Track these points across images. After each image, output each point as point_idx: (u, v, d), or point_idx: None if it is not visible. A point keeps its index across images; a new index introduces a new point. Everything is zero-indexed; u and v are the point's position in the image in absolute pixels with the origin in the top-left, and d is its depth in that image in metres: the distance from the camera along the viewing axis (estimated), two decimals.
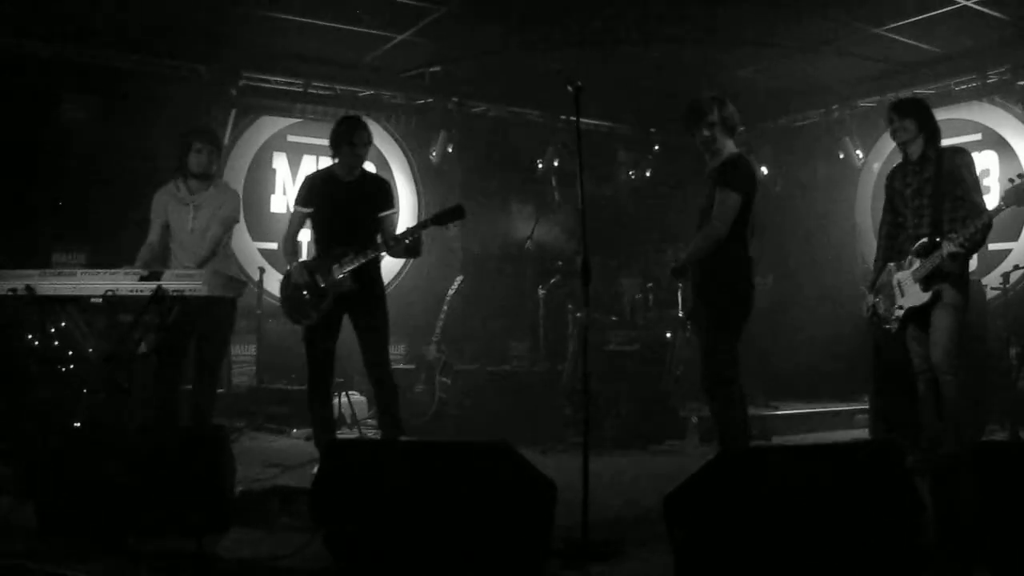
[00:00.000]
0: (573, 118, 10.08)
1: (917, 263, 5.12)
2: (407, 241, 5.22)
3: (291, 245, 5.54)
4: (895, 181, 5.41)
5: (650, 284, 8.56)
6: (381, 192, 5.48)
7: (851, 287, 8.83)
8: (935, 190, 5.08)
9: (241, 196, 8.39)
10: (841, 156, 9.25)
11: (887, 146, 9.18)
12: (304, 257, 5.63)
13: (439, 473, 3.29)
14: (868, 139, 9.23)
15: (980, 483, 3.42)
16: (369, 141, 5.47)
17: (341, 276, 5.21)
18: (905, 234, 5.29)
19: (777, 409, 7.94)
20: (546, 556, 3.35)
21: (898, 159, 8.78)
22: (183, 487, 3.84)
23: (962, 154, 5.17)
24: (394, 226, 5.48)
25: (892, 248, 5.40)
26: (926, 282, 5.08)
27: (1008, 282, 7.25)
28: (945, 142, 5.33)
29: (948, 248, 4.93)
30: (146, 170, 7.82)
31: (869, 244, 9.37)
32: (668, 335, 7.25)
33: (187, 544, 3.55)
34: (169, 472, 3.90)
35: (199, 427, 5.34)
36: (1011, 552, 3.31)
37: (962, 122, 8.34)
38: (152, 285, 4.93)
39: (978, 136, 8.34)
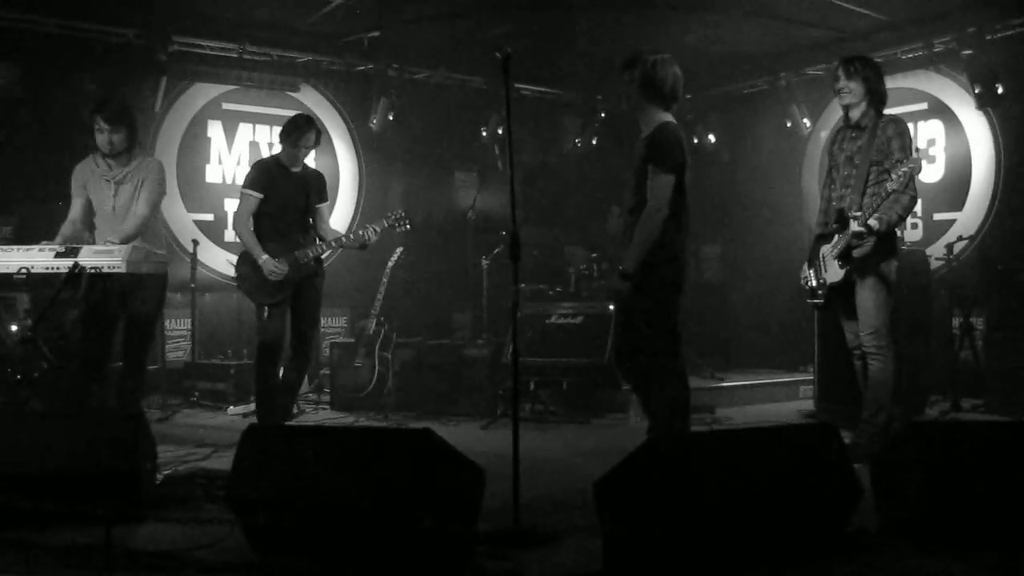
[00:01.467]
0: (517, 85, 9.99)
1: (835, 239, 5.01)
2: (361, 242, 5.95)
3: (247, 227, 5.79)
4: (834, 145, 5.29)
5: (595, 254, 8.45)
6: (320, 184, 5.99)
7: (798, 256, 8.80)
8: (863, 160, 4.96)
9: (175, 166, 8.25)
10: (788, 124, 9.18)
11: (835, 114, 9.12)
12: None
13: (361, 460, 3.16)
14: (816, 107, 9.16)
15: (920, 464, 3.37)
16: (313, 145, 5.84)
17: (306, 261, 5.74)
18: (831, 205, 5.16)
19: (722, 381, 7.90)
20: (472, 545, 3.24)
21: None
22: (93, 475, 3.70)
23: (896, 124, 4.98)
24: (328, 215, 6.24)
25: (824, 223, 5.26)
26: (843, 259, 4.98)
27: (952, 252, 7.24)
28: (892, 111, 5.20)
29: (852, 227, 4.84)
30: (72, 141, 7.55)
31: (815, 213, 9.33)
32: (611, 307, 7.12)
33: (101, 536, 3.37)
34: (78, 459, 3.74)
35: (111, 411, 5.15)
36: (951, 532, 3.27)
37: (909, 91, 8.29)
38: (69, 262, 4.78)
39: (924, 105, 8.30)
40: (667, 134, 4.45)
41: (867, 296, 4.96)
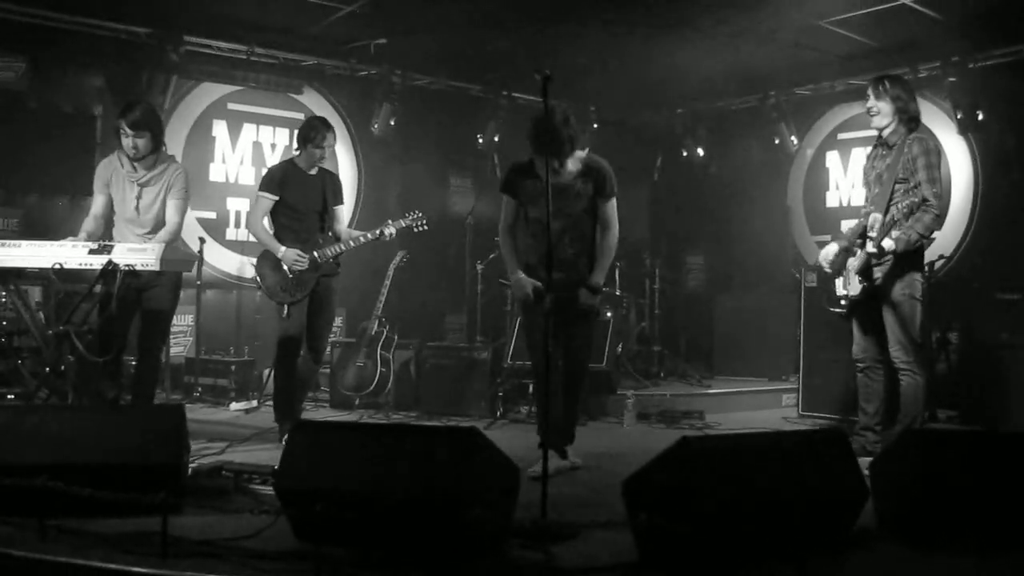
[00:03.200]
0: (515, 93, 10.20)
1: (858, 253, 5.15)
2: (378, 238, 6.10)
3: (261, 225, 6.00)
4: (867, 163, 5.38)
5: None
6: (336, 186, 6.12)
7: (782, 270, 9.15)
8: (889, 178, 5.05)
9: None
10: (776, 141, 9.49)
11: (821, 132, 9.49)
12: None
13: (410, 455, 3.36)
14: (803, 125, 9.50)
15: (915, 469, 3.64)
16: (332, 145, 6.01)
17: (325, 261, 5.88)
18: (861, 220, 5.25)
19: (709, 388, 8.17)
20: (507, 537, 3.47)
21: (835, 144, 9.10)
22: (142, 466, 3.86)
23: (921, 143, 5.03)
24: (344, 217, 6.37)
25: (854, 234, 5.31)
26: (863, 275, 5.13)
27: (932, 270, 7.57)
28: (875, 132, 5.28)
29: (868, 247, 4.98)
30: (81, 137, 7.66)
31: (801, 228, 9.70)
32: (609, 314, 7.38)
33: (149, 524, 3.54)
34: (128, 451, 3.90)
35: (160, 405, 5.30)
36: (943, 532, 3.55)
37: None
38: (102, 258, 4.90)
39: None
40: (604, 164, 5.12)
41: (890, 312, 5.07)
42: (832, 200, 9.46)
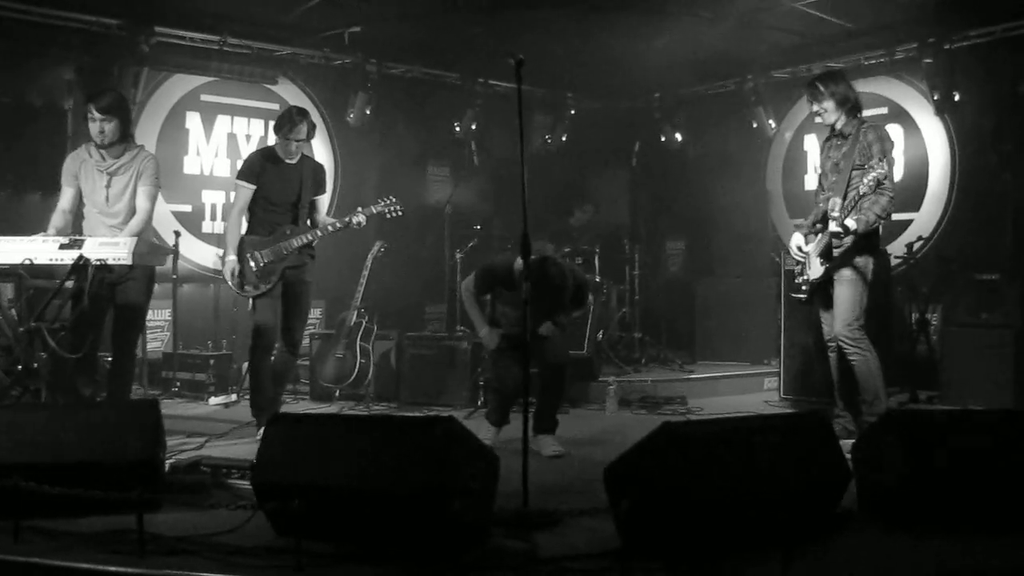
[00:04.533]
0: (492, 81, 10.14)
1: (818, 237, 5.40)
2: (347, 226, 5.95)
3: (235, 222, 5.90)
4: (822, 154, 5.62)
5: (567, 249, 8.66)
6: (319, 176, 6.03)
7: (762, 254, 9.15)
8: (846, 164, 5.28)
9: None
10: (754, 125, 9.47)
11: (799, 116, 9.47)
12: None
13: (387, 447, 3.32)
14: (781, 109, 9.48)
15: (895, 450, 3.64)
16: (306, 138, 5.87)
17: (289, 252, 5.74)
18: (819, 207, 5.50)
19: (691, 373, 8.17)
20: (488, 526, 3.44)
21: (813, 127, 9.12)
22: (119, 463, 3.81)
23: (876, 130, 5.31)
24: (325, 207, 6.15)
25: (814, 220, 5.56)
26: (823, 256, 5.35)
27: (911, 251, 7.60)
28: None
29: (831, 227, 5.21)
30: (51, 131, 7.54)
31: (780, 211, 9.70)
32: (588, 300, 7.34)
33: (126, 523, 3.48)
34: (104, 448, 3.85)
35: (134, 400, 5.24)
36: (923, 513, 3.55)
37: (870, 96, 8.58)
38: (73, 254, 4.84)
39: (884, 110, 8.64)
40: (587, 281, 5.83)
41: (843, 291, 5.29)
42: (811, 183, 9.41)
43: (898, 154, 8.54)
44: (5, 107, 7.51)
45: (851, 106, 5.36)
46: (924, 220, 8.35)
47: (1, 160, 7.37)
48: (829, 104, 5.32)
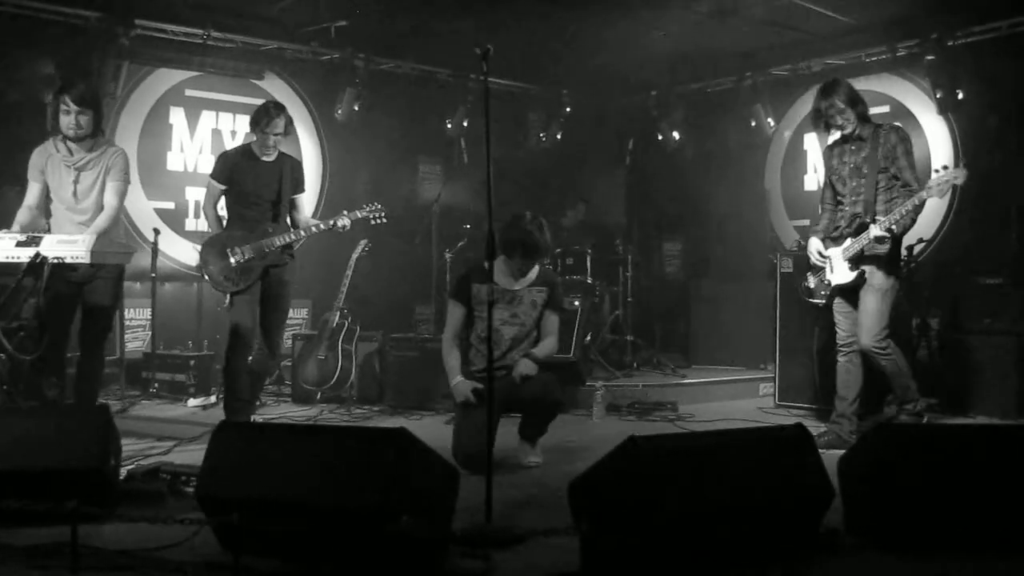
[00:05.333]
0: (483, 78, 9.93)
1: (848, 242, 5.27)
2: (331, 228, 5.83)
3: (215, 214, 5.78)
4: (832, 159, 5.46)
5: (559, 250, 8.46)
6: (297, 174, 5.88)
7: (760, 256, 8.91)
8: (871, 169, 5.19)
9: (135, 153, 8.11)
10: (753, 123, 9.26)
11: (798, 114, 9.27)
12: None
13: (335, 459, 3.12)
14: (780, 107, 9.27)
15: (886, 466, 3.41)
16: (283, 133, 5.68)
17: (271, 250, 5.60)
18: (842, 211, 5.41)
19: (684, 377, 7.95)
20: (446, 544, 3.23)
21: (811, 127, 8.89)
22: (61, 471, 3.62)
23: (898, 131, 5.25)
24: (305, 205, 6.06)
25: (831, 225, 5.49)
26: (854, 262, 5.25)
27: (912, 254, 7.36)
28: None
29: (874, 231, 5.07)
30: (31, 125, 7.37)
31: (778, 211, 9.48)
32: (576, 303, 7.14)
33: (68, 534, 3.30)
34: (46, 455, 3.66)
35: (78, 405, 5.05)
36: (912, 534, 3.33)
37: (872, 93, 8.35)
38: (30, 251, 4.67)
39: (886, 108, 8.41)
40: (558, 278, 5.41)
41: (871, 300, 5.23)
42: (810, 183, 9.23)
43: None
44: None
45: (863, 109, 5.30)
46: (926, 222, 8.04)
47: None
48: (850, 114, 5.22)
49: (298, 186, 5.86)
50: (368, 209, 6.02)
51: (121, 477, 4.20)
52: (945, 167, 4.99)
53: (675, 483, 2.92)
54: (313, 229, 5.83)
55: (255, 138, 5.71)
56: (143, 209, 8.18)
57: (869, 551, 3.35)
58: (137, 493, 4.09)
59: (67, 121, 5.18)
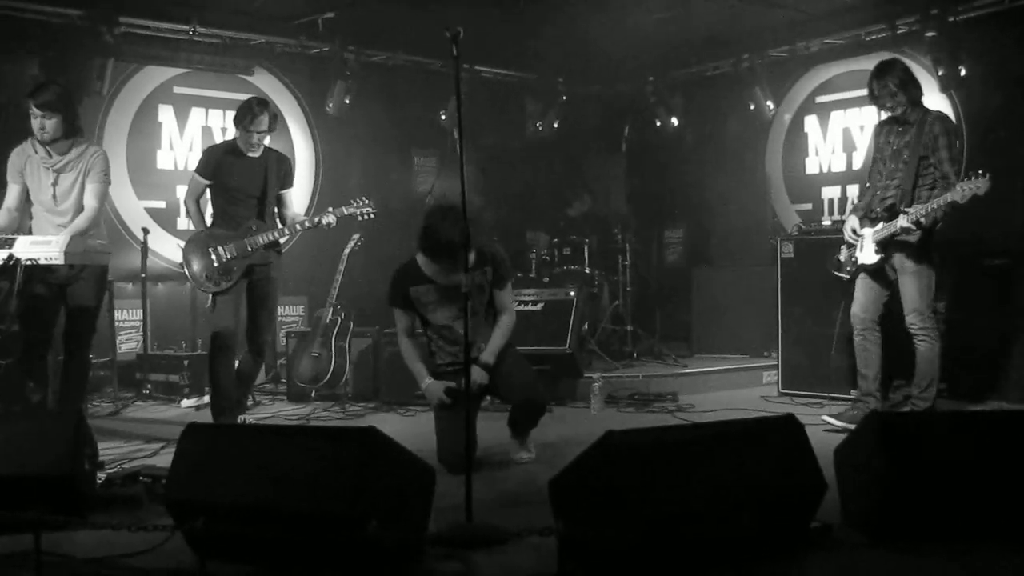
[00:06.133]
0: (477, 67, 9.82)
1: (880, 225, 5.34)
2: (316, 226, 5.74)
3: (197, 209, 5.68)
4: (879, 137, 5.52)
5: (555, 239, 8.32)
6: (283, 169, 5.72)
7: (763, 241, 8.75)
8: (911, 155, 5.23)
9: (124, 151, 8.01)
10: (752, 107, 9.08)
11: (799, 96, 9.09)
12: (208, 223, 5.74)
13: (303, 461, 3.00)
14: (779, 89, 9.09)
15: (884, 456, 3.27)
16: (267, 130, 5.57)
17: (255, 248, 5.49)
18: (879, 193, 5.46)
19: (685, 367, 7.80)
20: (421, 547, 3.12)
21: (813, 108, 8.78)
22: (27, 478, 3.52)
23: (943, 122, 5.26)
24: (292, 201, 5.87)
25: (871, 204, 5.52)
26: (881, 246, 5.33)
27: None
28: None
29: (902, 221, 5.14)
30: (16, 126, 7.29)
31: (780, 195, 9.31)
32: (571, 293, 7.00)
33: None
34: (11, 462, 3.56)
35: (47, 410, 4.95)
36: (910, 527, 3.19)
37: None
38: (3, 253, 4.58)
39: None
40: (500, 251, 4.85)
41: (910, 280, 5.30)
42: (812, 167, 9.05)
43: None
44: None
45: (917, 93, 5.31)
46: None
47: None
48: (902, 97, 5.24)
49: (285, 181, 5.74)
50: (356, 205, 5.90)
51: (100, 481, 4.13)
52: (978, 173, 4.94)
53: (654, 479, 2.79)
54: (298, 227, 5.73)
55: (238, 134, 5.60)
56: (133, 208, 8.08)
57: (865, 546, 3.22)
58: (114, 498, 4.01)
59: (35, 125, 5.11)
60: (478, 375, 4.56)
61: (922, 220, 5.10)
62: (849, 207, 6.54)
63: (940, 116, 5.31)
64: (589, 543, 2.74)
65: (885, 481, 3.23)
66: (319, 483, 2.88)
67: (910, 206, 5.17)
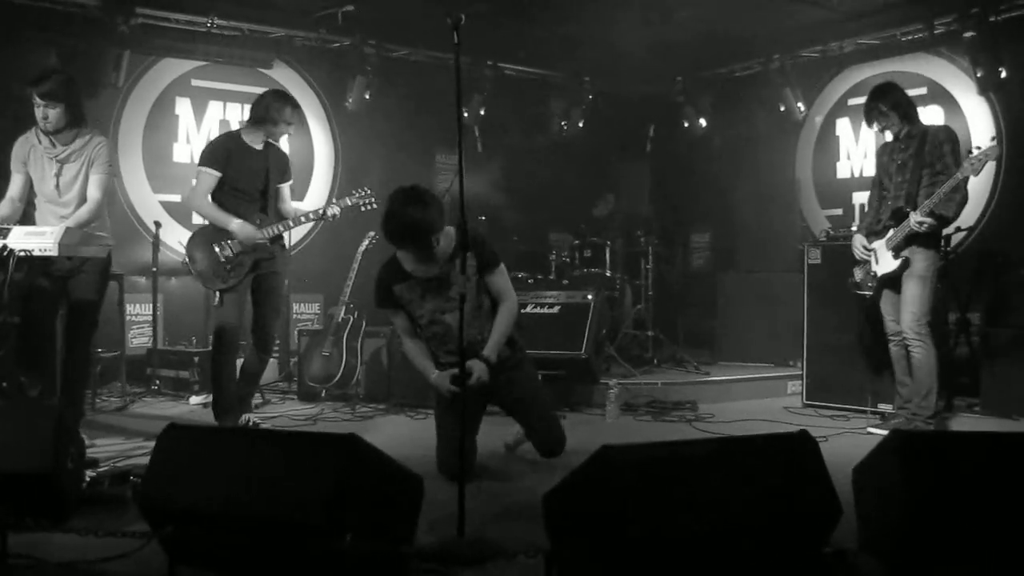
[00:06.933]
0: (501, 64, 9.64)
1: (891, 232, 5.39)
2: (320, 218, 5.68)
3: (208, 202, 5.41)
4: (883, 156, 5.64)
5: (577, 242, 8.11)
6: (283, 163, 5.63)
7: (791, 247, 8.49)
8: (916, 165, 5.33)
9: (140, 144, 7.93)
10: (782, 108, 8.85)
11: (830, 99, 8.85)
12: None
13: (273, 468, 2.83)
14: (810, 91, 8.85)
15: (906, 478, 3.03)
16: (290, 120, 5.46)
17: (261, 241, 5.39)
18: (885, 206, 5.54)
19: (707, 375, 7.57)
20: (406, 560, 2.93)
21: (845, 111, 8.53)
22: (9, 476, 3.39)
23: (947, 131, 5.41)
24: (289, 195, 5.74)
25: (874, 220, 5.63)
26: (897, 250, 5.37)
27: (949, 245, 6.90)
28: None
29: (914, 217, 5.20)
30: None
31: (809, 200, 9.06)
32: (589, 297, 6.80)
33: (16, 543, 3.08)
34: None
35: (27, 406, 4.81)
36: (932, 554, 2.95)
37: (907, 76, 7.94)
38: None
39: (923, 90, 7.95)
40: (478, 232, 4.43)
41: (912, 287, 5.34)
42: (843, 171, 8.79)
43: None
44: None
45: (912, 111, 5.47)
46: (966, 211, 7.56)
47: None
48: (894, 117, 5.42)
49: (284, 175, 5.62)
50: (357, 195, 5.76)
51: (87, 480, 4.00)
52: (978, 147, 5.02)
53: (650, 497, 2.58)
54: (302, 219, 5.61)
55: (248, 126, 5.48)
56: (148, 202, 8.01)
57: (879, 574, 2.98)
58: (98, 499, 3.87)
59: (37, 114, 5.02)
60: (479, 370, 4.22)
61: (934, 210, 5.14)
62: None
63: (943, 127, 5.52)
64: (579, 564, 2.54)
65: (906, 505, 2.99)
66: (294, 491, 2.70)
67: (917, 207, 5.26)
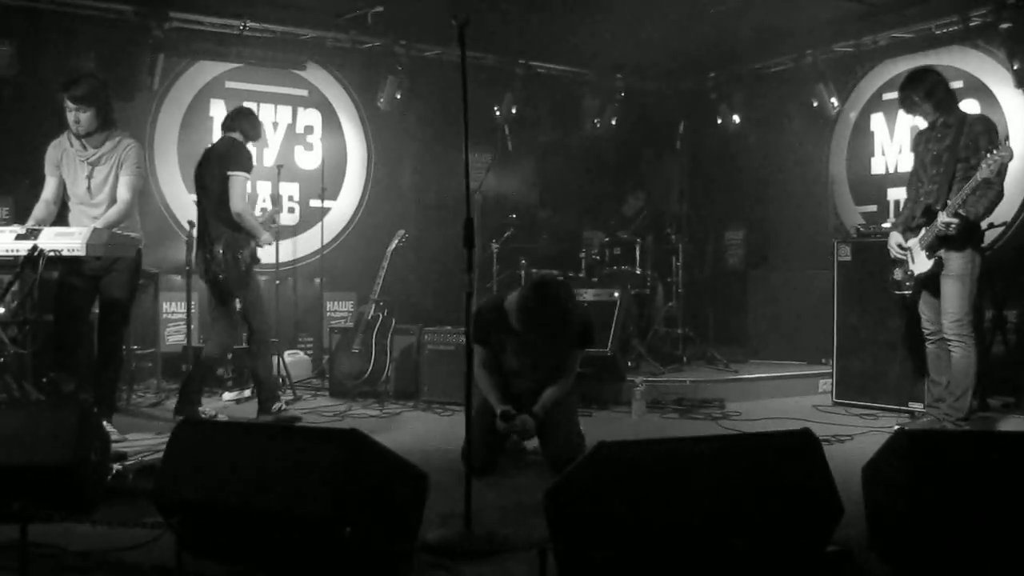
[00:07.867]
0: (533, 63, 9.64)
1: (923, 232, 5.28)
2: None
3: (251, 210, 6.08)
4: (919, 146, 5.49)
5: (607, 239, 8.10)
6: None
7: (824, 244, 8.39)
8: (951, 157, 5.18)
9: (175, 145, 8.08)
10: (815, 104, 8.74)
11: (864, 94, 8.72)
12: None
13: (280, 462, 2.89)
14: (844, 86, 8.73)
15: (915, 477, 3.00)
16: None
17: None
18: (919, 201, 5.38)
19: (736, 373, 7.52)
20: (410, 555, 2.98)
21: (880, 106, 8.42)
22: (26, 468, 3.50)
23: (984, 121, 5.25)
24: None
25: (910, 216, 5.45)
26: (930, 250, 5.25)
27: (983, 242, 6.77)
28: None
29: (941, 217, 5.09)
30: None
31: (844, 197, 8.95)
32: (616, 294, 6.79)
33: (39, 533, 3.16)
34: (11, 452, 3.54)
35: (58, 402, 4.94)
36: (941, 556, 2.92)
37: (943, 69, 7.67)
38: (28, 244, 4.59)
39: (959, 84, 7.78)
40: (585, 316, 4.90)
41: (951, 286, 5.21)
42: (878, 167, 8.66)
43: None
44: (24, 98, 7.38)
45: (950, 99, 5.33)
46: (1002, 205, 7.32)
47: (21, 151, 7.22)
48: (927, 106, 5.28)
49: None
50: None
51: (112, 474, 4.09)
52: (1001, 143, 4.94)
53: (648, 495, 2.60)
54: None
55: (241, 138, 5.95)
56: (184, 201, 8.14)
57: (885, 574, 2.96)
58: (121, 491, 3.97)
59: (69, 119, 5.15)
60: (527, 424, 4.55)
61: (961, 211, 5.02)
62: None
63: (980, 117, 5.36)
64: (580, 560, 2.56)
65: (913, 505, 2.97)
66: (298, 485, 2.76)
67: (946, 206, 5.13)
